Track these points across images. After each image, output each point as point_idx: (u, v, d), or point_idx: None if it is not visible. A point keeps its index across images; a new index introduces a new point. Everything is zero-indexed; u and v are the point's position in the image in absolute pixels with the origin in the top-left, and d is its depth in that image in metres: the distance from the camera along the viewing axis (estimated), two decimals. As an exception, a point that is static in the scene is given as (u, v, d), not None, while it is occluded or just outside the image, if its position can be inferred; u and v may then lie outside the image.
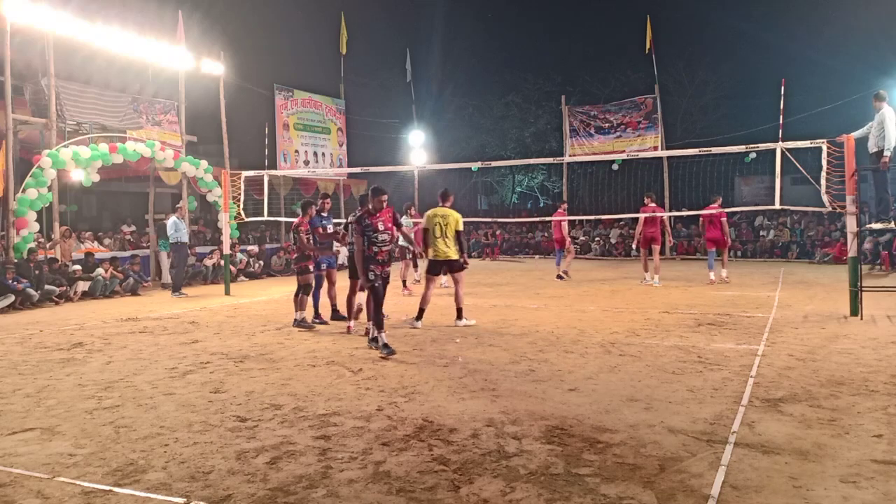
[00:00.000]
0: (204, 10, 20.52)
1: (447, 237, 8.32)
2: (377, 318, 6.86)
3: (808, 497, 3.20)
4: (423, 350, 6.94)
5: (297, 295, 8.67)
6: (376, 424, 4.45)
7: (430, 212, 8.56)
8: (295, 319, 8.68)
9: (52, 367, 6.47)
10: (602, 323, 8.46)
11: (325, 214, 9.21)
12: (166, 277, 14.66)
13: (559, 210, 14.69)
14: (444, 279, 11.18)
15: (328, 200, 9.40)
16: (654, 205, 13.04)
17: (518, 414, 4.60)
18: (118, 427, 4.49)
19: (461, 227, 8.39)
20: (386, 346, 6.65)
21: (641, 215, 13.06)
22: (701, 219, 13.49)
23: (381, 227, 6.85)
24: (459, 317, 8.44)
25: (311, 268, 8.73)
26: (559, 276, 14.15)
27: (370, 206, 6.93)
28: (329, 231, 8.98)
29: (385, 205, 6.99)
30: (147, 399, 5.21)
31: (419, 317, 8.38)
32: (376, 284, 6.82)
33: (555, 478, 3.49)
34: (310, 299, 8.85)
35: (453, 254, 8.32)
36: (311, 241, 8.71)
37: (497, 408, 4.77)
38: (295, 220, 9.05)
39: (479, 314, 9.17)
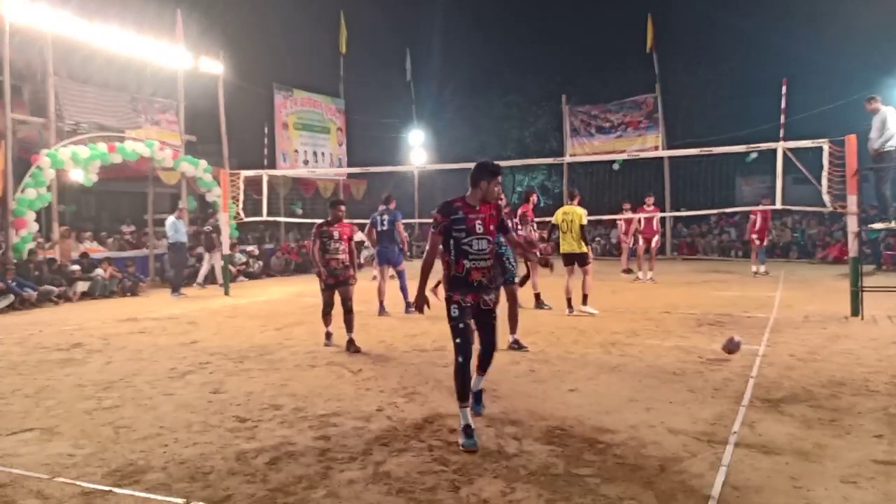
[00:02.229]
0: (203, 10, 20.47)
1: (572, 233, 9.03)
2: (460, 384, 4.16)
3: (808, 497, 3.19)
4: (424, 350, 6.93)
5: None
6: (376, 424, 4.44)
7: (558, 210, 9.43)
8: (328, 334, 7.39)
9: (52, 367, 6.46)
10: (602, 323, 8.45)
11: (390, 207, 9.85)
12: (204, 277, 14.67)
13: (642, 207, 14.06)
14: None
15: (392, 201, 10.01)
16: (653, 206, 13.43)
17: (518, 414, 4.59)
18: (118, 427, 4.48)
19: (585, 223, 9.08)
20: (468, 431, 4.04)
21: (646, 215, 13.39)
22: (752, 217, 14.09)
23: (479, 228, 4.26)
24: (584, 302, 9.07)
25: (329, 282, 7.20)
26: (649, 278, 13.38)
27: (468, 194, 4.35)
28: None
29: (499, 194, 4.55)
30: (147, 399, 5.20)
31: (570, 305, 9.09)
32: (460, 325, 4.18)
33: (555, 478, 3.48)
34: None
35: (580, 248, 9.04)
36: (322, 252, 7.14)
37: (497, 408, 4.76)
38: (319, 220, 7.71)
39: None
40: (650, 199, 13.80)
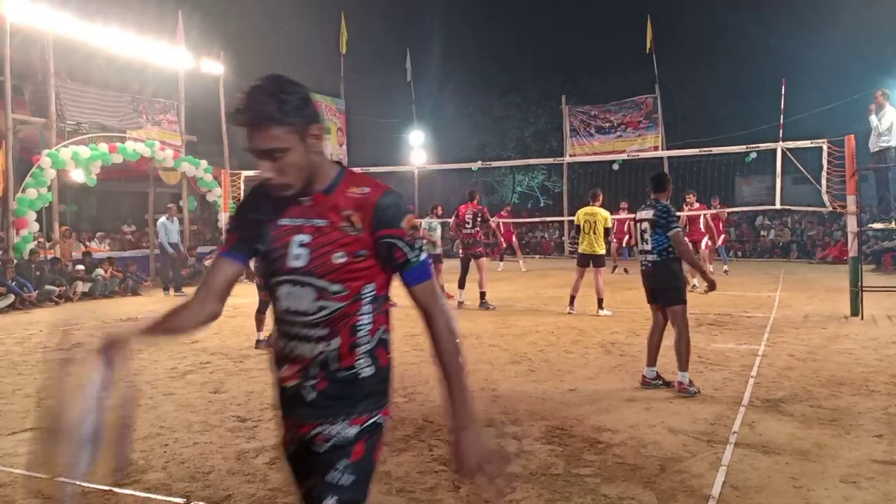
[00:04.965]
0: (204, 10, 20.47)
1: (595, 234, 9.04)
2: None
3: (808, 497, 3.19)
4: (423, 350, 6.92)
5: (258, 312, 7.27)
6: (376, 424, 4.43)
7: (580, 211, 9.39)
8: (257, 340, 7.22)
9: (52, 367, 6.45)
10: (602, 323, 8.45)
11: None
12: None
13: (698, 205, 12.20)
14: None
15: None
16: (698, 204, 11.97)
17: (518, 414, 4.59)
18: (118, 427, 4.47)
19: (609, 225, 9.20)
20: None
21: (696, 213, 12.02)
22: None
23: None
24: (601, 306, 9.01)
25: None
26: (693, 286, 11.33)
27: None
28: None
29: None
30: (147, 399, 5.19)
31: (571, 303, 9.17)
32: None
33: (555, 478, 3.48)
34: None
35: (599, 249, 9.07)
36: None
37: (497, 408, 4.76)
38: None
39: (478, 314, 9.18)
40: (692, 197, 11.96)
